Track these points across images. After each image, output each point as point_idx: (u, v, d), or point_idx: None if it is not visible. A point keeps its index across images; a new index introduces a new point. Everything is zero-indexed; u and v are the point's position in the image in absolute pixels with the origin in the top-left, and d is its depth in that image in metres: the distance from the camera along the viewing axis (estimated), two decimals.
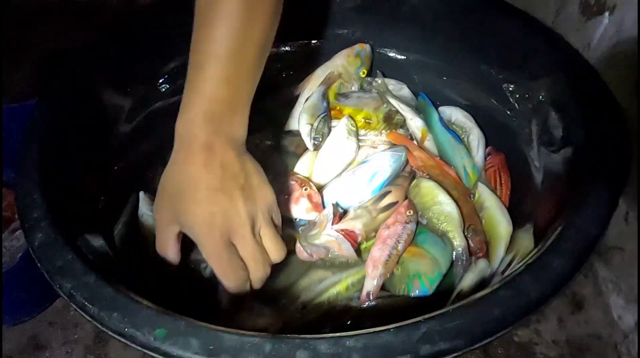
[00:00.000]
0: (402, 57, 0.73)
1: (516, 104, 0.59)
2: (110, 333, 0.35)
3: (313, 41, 0.74)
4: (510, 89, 0.58)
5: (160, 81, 0.65)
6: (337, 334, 0.33)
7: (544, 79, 0.53)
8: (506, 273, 0.47)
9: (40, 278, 0.57)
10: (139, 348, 0.34)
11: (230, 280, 0.43)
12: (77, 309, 0.36)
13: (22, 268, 0.55)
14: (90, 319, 0.35)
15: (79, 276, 0.37)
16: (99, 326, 0.35)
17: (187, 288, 0.52)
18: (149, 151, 0.62)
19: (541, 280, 0.36)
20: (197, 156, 0.41)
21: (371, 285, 0.51)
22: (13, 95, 0.80)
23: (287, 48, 0.76)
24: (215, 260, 0.42)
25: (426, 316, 0.34)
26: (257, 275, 0.45)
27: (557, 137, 0.51)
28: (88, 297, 0.36)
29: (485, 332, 0.34)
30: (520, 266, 0.38)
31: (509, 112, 0.60)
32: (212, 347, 0.33)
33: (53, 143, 0.48)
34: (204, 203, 0.41)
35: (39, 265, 0.39)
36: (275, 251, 0.45)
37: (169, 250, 0.45)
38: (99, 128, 0.56)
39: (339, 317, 0.51)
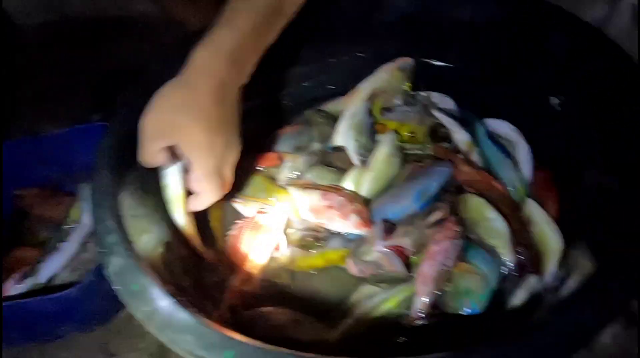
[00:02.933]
0: (447, 69, 0.73)
1: (567, 119, 0.58)
2: (185, 355, 0.37)
3: (358, 54, 0.75)
4: (563, 103, 0.58)
5: None
6: None
7: (602, 94, 0.53)
8: (562, 292, 0.47)
9: (110, 289, 0.62)
10: None
11: (212, 195, 0.51)
12: (154, 333, 0.39)
13: (92, 281, 0.60)
14: (166, 342, 0.38)
15: (154, 301, 0.40)
16: (175, 348, 0.38)
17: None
18: None
19: (601, 304, 0.36)
20: (211, 90, 0.47)
21: (421, 302, 0.52)
22: (72, 118, 0.85)
23: (332, 60, 0.77)
24: (207, 177, 0.49)
25: (482, 343, 0.35)
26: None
27: (608, 152, 0.50)
28: (163, 322, 0.39)
29: None
30: (578, 288, 0.38)
31: (558, 127, 0.60)
32: None
33: (123, 167, 0.52)
34: (210, 133, 0.47)
35: (114, 288, 0.42)
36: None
37: (156, 160, 0.50)
38: None
39: (391, 333, 0.53)
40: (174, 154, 0.51)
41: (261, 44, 0.51)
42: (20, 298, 0.63)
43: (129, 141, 0.55)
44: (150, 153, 0.49)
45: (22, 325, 0.62)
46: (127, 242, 0.44)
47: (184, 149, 0.49)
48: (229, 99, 0.49)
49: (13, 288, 0.68)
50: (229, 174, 0.53)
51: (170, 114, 0.48)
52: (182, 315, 0.39)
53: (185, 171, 0.51)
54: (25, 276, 0.69)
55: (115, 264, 0.43)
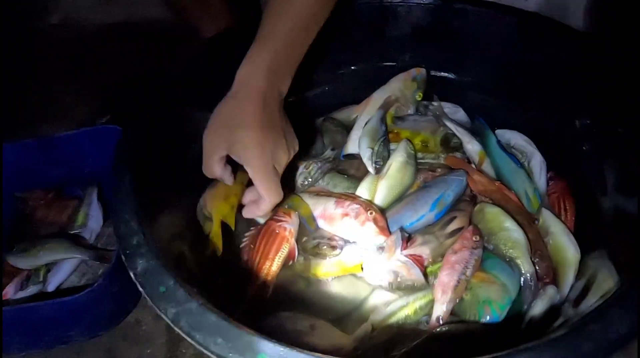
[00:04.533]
0: (459, 80, 0.74)
1: (583, 133, 0.59)
2: (214, 357, 0.37)
3: (374, 64, 0.76)
4: (579, 118, 0.59)
5: None
6: None
7: (620, 111, 0.54)
8: (583, 304, 0.47)
9: (118, 295, 0.61)
10: None
11: (271, 194, 0.53)
12: (183, 334, 0.38)
13: (104, 286, 0.58)
14: (196, 344, 0.37)
15: (182, 303, 0.39)
16: (205, 351, 0.37)
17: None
18: None
19: (631, 314, 0.36)
20: (255, 99, 0.51)
21: (441, 309, 0.52)
22: (79, 121, 0.84)
23: (343, 71, 0.78)
24: (262, 175, 0.51)
25: (517, 348, 0.35)
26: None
27: (633, 174, 0.51)
28: (193, 323, 0.38)
29: None
30: (608, 299, 0.38)
31: (572, 141, 0.61)
32: None
33: (144, 169, 0.51)
34: (259, 133, 0.51)
35: (141, 290, 0.41)
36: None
37: (216, 170, 0.54)
38: (182, 148, 0.59)
39: (409, 340, 0.52)
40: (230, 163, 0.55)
41: (295, 56, 0.56)
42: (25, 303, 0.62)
43: (149, 143, 0.55)
44: (209, 165, 0.54)
45: (27, 331, 0.60)
46: (152, 243, 0.44)
47: (238, 153, 0.52)
48: (270, 107, 0.52)
49: (16, 294, 0.66)
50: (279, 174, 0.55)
51: (221, 127, 0.52)
52: (212, 317, 0.38)
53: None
54: (27, 281, 0.68)
55: (140, 265, 0.42)
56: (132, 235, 0.44)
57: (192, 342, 0.37)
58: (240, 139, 0.51)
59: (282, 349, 0.36)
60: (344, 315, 0.57)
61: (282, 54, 0.53)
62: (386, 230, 0.59)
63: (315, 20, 0.56)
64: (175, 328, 0.38)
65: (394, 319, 0.54)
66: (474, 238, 0.56)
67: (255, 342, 0.37)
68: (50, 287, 0.65)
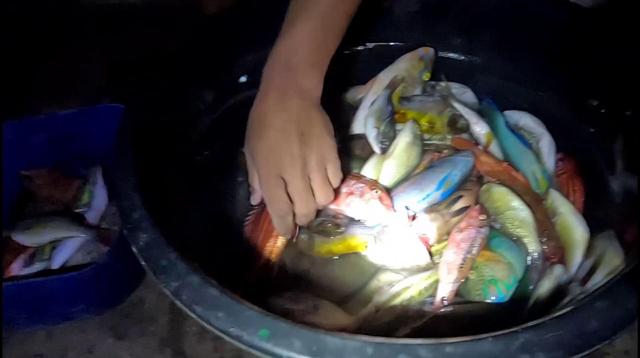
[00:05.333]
0: (468, 60, 0.73)
1: (594, 115, 0.58)
2: (216, 332, 0.36)
3: (381, 43, 0.74)
4: (589, 98, 0.57)
5: (240, 75, 0.67)
6: (437, 340, 0.34)
7: (632, 93, 0.52)
8: (589, 283, 0.47)
9: (123, 272, 0.61)
10: (244, 347, 0.36)
11: (273, 208, 0.50)
12: (184, 307, 0.38)
13: (107, 263, 0.58)
14: (196, 318, 0.37)
15: (183, 276, 0.39)
16: (205, 325, 0.37)
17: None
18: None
19: (637, 290, 0.36)
20: (269, 98, 0.48)
21: (446, 289, 0.52)
22: (82, 101, 0.84)
23: (349, 51, 0.77)
24: (264, 188, 0.49)
25: (524, 326, 0.35)
26: (300, 210, 0.50)
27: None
28: (194, 297, 0.38)
29: (583, 344, 0.34)
30: (615, 276, 0.37)
31: (582, 123, 0.59)
32: (315, 348, 0.34)
33: (145, 144, 0.51)
34: (266, 138, 0.47)
35: (143, 264, 0.41)
36: (320, 195, 0.50)
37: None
38: (183, 123, 0.59)
39: (413, 321, 0.52)
40: None
41: (322, 51, 0.50)
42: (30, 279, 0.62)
43: (150, 119, 0.54)
44: (250, 172, 0.53)
45: (32, 307, 0.60)
46: (153, 217, 0.43)
47: (252, 162, 0.51)
48: (290, 105, 0.47)
49: (22, 270, 0.66)
50: (322, 172, 0.50)
51: (247, 131, 0.50)
52: (214, 291, 0.38)
53: None
54: (32, 258, 0.68)
55: (142, 240, 0.42)
56: (135, 210, 0.44)
57: (193, 316, 0.37)
58: (252, 145, 0.49)
59: (284, 325, 0.36)
60: (348, 295, 0.57)
61: (304, 44, 0.48)
62: (391, 208, 0.58)
63: (339, 16, 0.51)
64: (177, 302, 0.38)
65: (398, 300, 0.54)
66: (480, 217, 0.55)
67: (257, 316, 0.36)
68: (55, 264, 0.66)
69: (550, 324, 0.35)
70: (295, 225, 0.53)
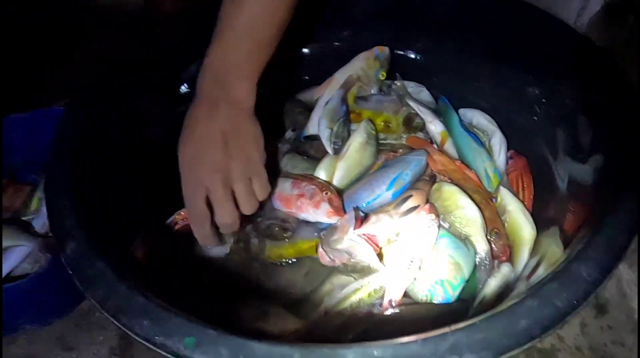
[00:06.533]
0: (421, 59, 0.72)
1: (540, 108, 0.58)
2: (141, 341, 0.35)
3: (335, 43, 0.74)
4: (534, 92, 0.58)
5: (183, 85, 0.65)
6: (365, 344, 0.34)
7: (571, 82, 0.53)
8: (531, 280, 0.47)
9: (68, 281, 0.59)
10: (169, 356, 0.35)
11: (189, 214, 0.50)
12: (109, 317, 0.36)
13: (51, 272, 0.57)
14: (121, 327, 0.36)
15: (110, 285, 0.37)
16: (130, 334, 0.35)
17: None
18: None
19: (568, 289, 0.35)
20: (200, 107, 0.48)
21: (393, 292, 0.51)
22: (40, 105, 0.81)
23: (306, 51, 0.76)
24: (184, 194, 0.48)
25: (453, 327, 0.34)
26: (221, 220, 0.49)
27: (584, 144, 0.50)
28: (119, 306, 0.36)
29: (512, 343, 0.34)
30: (547, 274, 0.37)
31: (531, 116, 0.60)
32: (241, 356, 0.34)
33: (84, 150, 0.49)
34: (191, 146, 0.47)
35: (70, 272, 0.39)
36: (244, 206, 0.49)
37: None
38: (128, 132, 0.57)
39: (361, 323, 0.52)
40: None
41: (249, 60, 0.49)
42: None
43: (89, 126, 0.53)
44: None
45: None
46: (83, 225, 0.42)
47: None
48: (219, 115, 0.47)
49: None
50: (245, 183, 0.49)
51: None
52: (139, 299, 0.36)
53: None
54: None
55: (71, 248, 0.40)
56: (65, 217, 0.42)
57: (118, 324, 0.36)
58: (180, 152, 0.48)
59: (211, 332, 0.35)
60: (300, 299, 0.56)
61: (232, 55, 0.48)
62: (340, 210, 0.58)
63: (266, 27, 0.49)
64: (102, 312, 0.37)
65: (347, 303, 0.53)
66: (429, 216, 0.54)
67: (183, 324, 0.35)
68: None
69: (480, 325, 0.34)
70: (217, 233, 0.51)
